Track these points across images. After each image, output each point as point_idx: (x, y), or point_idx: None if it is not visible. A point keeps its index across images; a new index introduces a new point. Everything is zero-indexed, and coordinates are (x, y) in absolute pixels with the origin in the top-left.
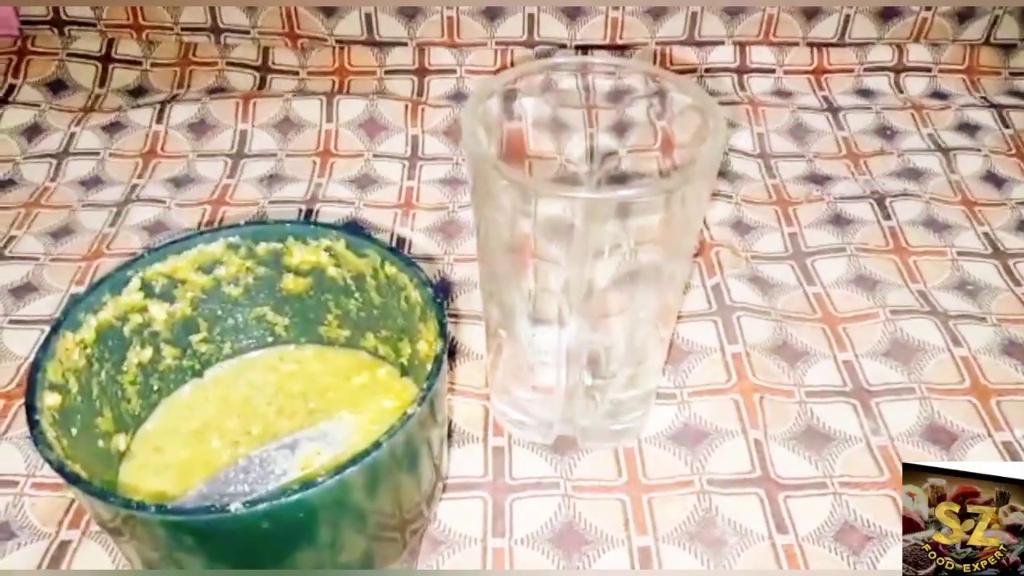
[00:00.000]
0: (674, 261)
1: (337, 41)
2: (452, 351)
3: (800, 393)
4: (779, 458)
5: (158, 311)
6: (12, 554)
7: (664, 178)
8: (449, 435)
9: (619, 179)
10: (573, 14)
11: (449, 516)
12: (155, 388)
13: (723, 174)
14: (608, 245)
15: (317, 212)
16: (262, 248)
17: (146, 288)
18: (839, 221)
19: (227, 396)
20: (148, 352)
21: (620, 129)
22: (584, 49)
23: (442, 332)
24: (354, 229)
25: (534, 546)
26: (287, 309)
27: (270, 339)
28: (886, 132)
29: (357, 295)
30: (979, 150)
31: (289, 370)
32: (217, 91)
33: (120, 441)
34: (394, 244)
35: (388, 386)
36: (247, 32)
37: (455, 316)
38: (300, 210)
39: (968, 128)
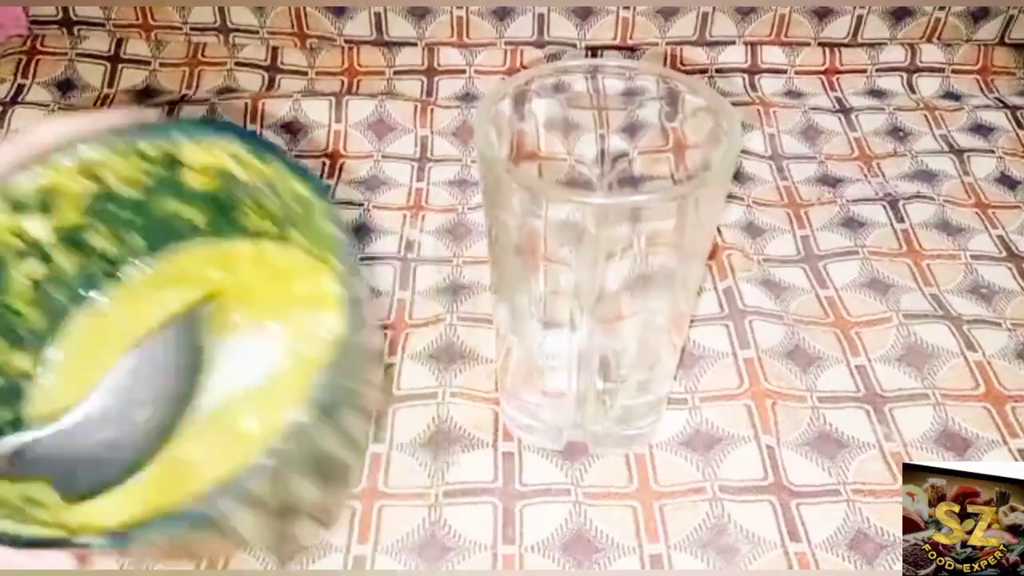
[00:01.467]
0: (687, 265)
1: (346, 41)
2: (462, 354)
3: (813, 398)
4: (792, 464)
5: (35, 225)
6: None
7: (677, 180)
8: (458, 440)
9: (630, 181)
10: (583, 14)
11: (458, 522)
12: (59, 299)
13: (734, 176)
14: (620, 247)
15: None
16: (153, 149)
17: (17, 206)
18: (851, 224)
19: (143, 301)
20: (38, 265)
21: (631, 130)
22: (594, 50)
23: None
24: (249, 133)
25: (544, 553)
26: (199, 204)
27: (188, 233)
28: (899, 133)
29: (271, 195)
30: (993, 151)
31: (214, 271)
32: (226, 91)
33: (22, 361)
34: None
35: (326, 299)
36: (256, 32)
37: (466, 319)
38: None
39: (982, 129)
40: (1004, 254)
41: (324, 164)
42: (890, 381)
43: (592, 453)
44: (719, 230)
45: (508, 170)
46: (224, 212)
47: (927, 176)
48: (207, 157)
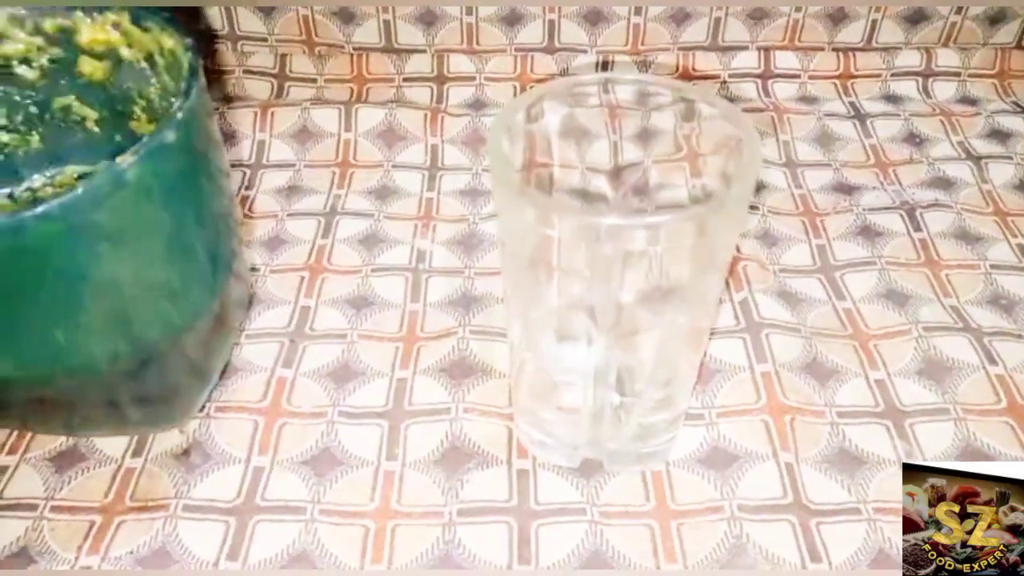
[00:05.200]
0: (706, 278)
1: (355, 48)
2: (474, 369)
3: (831, 414)
4: (811, 482)
5: None
6: None
7: (692, 192)
8: (472, 457)
9: (645, 190)
10: (594, 20)
11: (473, 542)
12: None
13: None
14: (636, 257)
15: (337, 224)
16: (49, 24)
17: None
18: (868, 233)
19: None
20: None
21: (645, 138)
22: (605, 59)
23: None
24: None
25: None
26: (92, 99)
27: (81, 135)
28: (915, 139)
29: (153, 80)
30: (1011, 158)
31: None
32: (235, 100)
33: None
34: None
35: None
36: (264, 39)
37: (478, 333)
38: (319, 221)
39: (999, 135)
40: None
41: (334, 174)
42: (910, 396)
43: (608, 471)
44: None
45: (522, 191)
46: (114, 112)
47: (944, 183)
48: (96, 32)
